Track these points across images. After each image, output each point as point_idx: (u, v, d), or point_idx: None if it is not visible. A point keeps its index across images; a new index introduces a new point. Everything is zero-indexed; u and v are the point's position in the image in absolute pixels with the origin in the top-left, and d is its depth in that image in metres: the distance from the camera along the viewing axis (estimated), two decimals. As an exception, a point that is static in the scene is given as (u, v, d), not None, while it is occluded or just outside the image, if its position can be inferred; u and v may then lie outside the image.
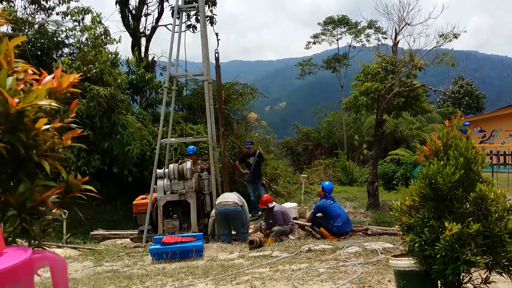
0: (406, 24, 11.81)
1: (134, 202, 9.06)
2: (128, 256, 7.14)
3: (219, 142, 10.74)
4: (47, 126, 1.59)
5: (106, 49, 13.43)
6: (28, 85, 1.64)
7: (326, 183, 9.69)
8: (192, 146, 10.67)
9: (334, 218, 8.92)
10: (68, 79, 1.72)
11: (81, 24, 14.10)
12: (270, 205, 8.86)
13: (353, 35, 32.97)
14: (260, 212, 11.51)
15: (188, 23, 16.79)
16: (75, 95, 1.81)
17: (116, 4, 17.08)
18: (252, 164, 11.13)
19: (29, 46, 12.73)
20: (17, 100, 1.47)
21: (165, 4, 18.10)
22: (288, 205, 10.55)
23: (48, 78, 1.71)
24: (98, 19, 13.68)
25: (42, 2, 14.39)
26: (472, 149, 3.45)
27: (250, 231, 9.10)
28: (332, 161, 22.85)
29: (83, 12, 14.10)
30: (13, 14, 12.58)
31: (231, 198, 8.36)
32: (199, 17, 9.98)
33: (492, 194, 3.26)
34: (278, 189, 14.85)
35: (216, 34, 9.95)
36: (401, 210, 3.64)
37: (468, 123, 20.56)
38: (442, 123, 4.00)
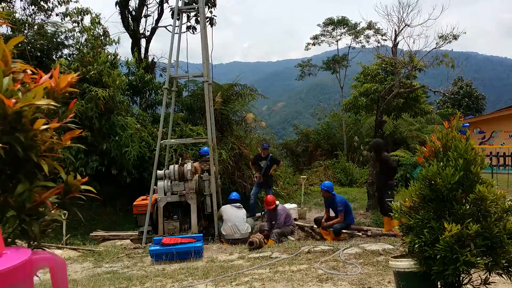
0: (405, 26, 11.85)
1: (134, 203, 9.05)
2: (127, 257, 7.13)
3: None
4: (46, 127, 1.59)
5: (105, 50, 13.42)
6: (26, 85, 1.64)
7: (326, 183, 9.62)
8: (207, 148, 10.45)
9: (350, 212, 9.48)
10: (66, 79, 1.72)
11: (80, 25, 14.10)
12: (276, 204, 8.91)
13: (353, 36, 33.02)
14: (259, 214, 11.51)
15: (188, 24, 16.82)
16: (73, 95, 1.81)
17: (116, 5, 17.09)
18: (263, 167, 11.09)
19: (28, 47, 12.74)
20: (14, 100, 1.47)
21: (165, 5, 18.13)
22: (288, 206, 10.55)
23: (45, 77, 1.71)
24: (97, 20, 13.68)
25: (41, 3, 14.40)
26: (471, 150, 3.45)
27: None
28: (332, 162, 22.84)
29: (82, 13, 14.10)
30: (12, 15, 12.58)
31: (240, 231, 8.42)
32: (199, 19, 9.98)
33: (492, 195, 3.26)
34: (278, 190, 14.84)
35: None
36: (401, 211, 3.63)
37: (467, 124, 20.59)
38: (442, 124, 4.00)
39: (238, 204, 8.83)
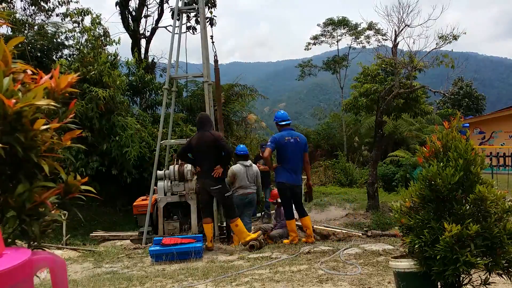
0: (405, 26, 11.84)
1: (134, 204, 9.05)
2: (127, 258, 7.13)
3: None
4: (46, 127, 1.59)
5: (106, 51, 13.44)
6: (26, 85, 1.64)
7: (281, 112, 7.77)
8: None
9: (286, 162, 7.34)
10: (66, 79, 1.72)
11: (80, 25, 14.12)
12: (279, 200, 8.91)
13: (353, 37, 33.02)
14: (259, 214, 11.52)
15: (188, 24, 16.84)
16: (73, 95, 1.81)
17: (116, 5, 17.12)
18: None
19: (28, 47, 12.76)
20: (14, 100, 1.47)
21: (165, 5, 18.17)
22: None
23: (46, 78, 1.71)
24: (97, 21, 13.70)
25: (41, 4, 14.42)
26: (471, 150, 3.45)
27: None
28: (332, 163, 22.84)
29: (82, 13, 14.13)
30: (12, 15, 12.60)
31: (251, 188, 8.65)
32: (199, 19, 9.98)
33: (492, 195, 3.26)
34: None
35: (211, 36, 9.99)
36: (401, 212, 3.63)
37: (468, 124, 20.61)
38: (442, 124, 4.00)
39: (248, 163, 8.87)
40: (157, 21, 18.35)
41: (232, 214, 7.44)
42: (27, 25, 14.08)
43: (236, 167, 8.73)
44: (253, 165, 9.03)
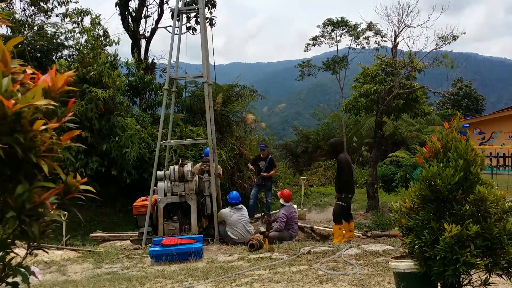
0: (405, 26, 11.84)
1: (135, 204, 9.04)
2: (127, 258, 7.13)
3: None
4: (45, 127, 1.58)
5: (105, 51, 13.42)
6: (26, 85, 1.63)
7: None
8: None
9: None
10: (63, 78, 1.71)
11: (80, 26, 14.11)
12: (281, 201, 8.96)
13: (353, 37, 32.99)
14: (259, 215, 11.51)
15: (188, 25, 16.83)
16: (71, 94, 1.80)
17: (116, 6, 17.09)
18: (262, 168, 11.09)
19: (28, 48, 12.75)
20: (13, 101, 1.46)
21: (165, 6, 18.15)
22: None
23: (43, 77, 1.70)
24: (97, 21, 13.68)
25: (41, 4, 14.40)
26: (471, 151, 3.45)
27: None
28: (332, 163, 22.80)
29: (82, 14, 14.11)
30: (12, 16, 12.58)
31: (250, 232, 8.44)
32: (198, 19, 9.98)
33: (492, 196, 3.26)
34: (277, 191, 14.83)
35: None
36: (401, 212, 3.63)
37: (467, 125, 20.59)
38: (442, 125, 4.00)
39: (239, 206, 8.69)
40: (157, 21, 18.34)
41: None
42: (26, 25, 14.05)
43: (225, 210, 8.68)
44: (244, 208, 8.86)
